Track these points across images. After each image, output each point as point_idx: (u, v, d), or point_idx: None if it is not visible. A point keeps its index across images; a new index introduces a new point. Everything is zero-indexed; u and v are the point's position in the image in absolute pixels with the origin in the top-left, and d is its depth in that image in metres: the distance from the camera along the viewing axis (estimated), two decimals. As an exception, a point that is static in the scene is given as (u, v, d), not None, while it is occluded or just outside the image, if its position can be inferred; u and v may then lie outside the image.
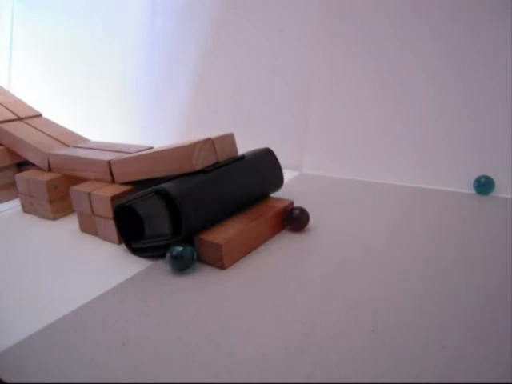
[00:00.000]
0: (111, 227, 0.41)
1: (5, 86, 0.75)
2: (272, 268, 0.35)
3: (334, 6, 0.59)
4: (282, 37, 0.65)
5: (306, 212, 0.40)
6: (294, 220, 0.40)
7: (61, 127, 0.61)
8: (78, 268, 0.38)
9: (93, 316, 0.30)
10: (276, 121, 0.67)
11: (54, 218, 0.49)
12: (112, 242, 0.42)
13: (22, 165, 0.58)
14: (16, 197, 0.55)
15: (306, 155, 0.62)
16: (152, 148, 0.47)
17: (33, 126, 0.59)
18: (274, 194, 0.45)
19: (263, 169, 0.43)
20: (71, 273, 0.37)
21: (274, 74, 0.66)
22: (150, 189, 0.36)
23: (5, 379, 0.24)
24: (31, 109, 0.64)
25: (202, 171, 0.38)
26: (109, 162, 0.44)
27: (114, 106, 0.90)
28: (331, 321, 0.27)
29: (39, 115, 0.63)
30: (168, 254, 0.34)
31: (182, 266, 0.34)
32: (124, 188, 0.42)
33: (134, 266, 0.37)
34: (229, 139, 0.41)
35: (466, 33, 0.49)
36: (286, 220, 0.41)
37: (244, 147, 0.45)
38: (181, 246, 0.34)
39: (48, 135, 0.57)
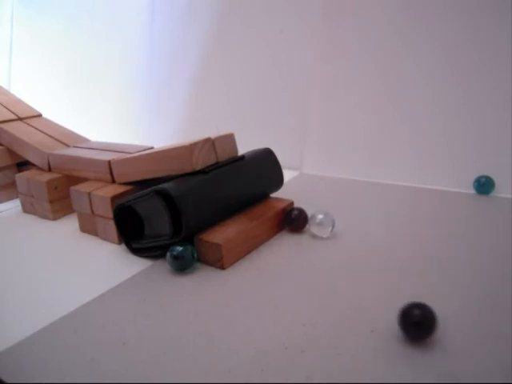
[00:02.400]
0: (111, 227, 0.41)
1: (5, 86, 0.75)
2: (272, 268, 0.35)
3: (334, 7, 0.59)
4: (282, 37, 0.65)
5: (304, 213, 0.40)
6: (293, 221, 0.40)
7: (61, 127, 0.61)
8: (78, 268, 0.38)
9: (93, 316, 0.30)
10: (276, 121, 0.67)
11: (54, 218, 0.50)
12: (112, 242, 0.42)
13: (22, 165, 0.58)
14: (16, 197, 0.55)
15: (306, 155, 0.62)
16: (152, 148, 0.47)
17: (33, 126, 0.59)
18: (274, 194, 0.45)
19: (263, 169, 0.43)
20: (71, 273, 0.37)
21: (274, 74, 0.66)
22: (149, 189, 0.36)
23: (5, 379, 0.24)
24: (31, 109, 0.64)
25: (202, 171, 0.38)
26: (109, 162, 0.44)
27: (114, 105, 0.90)
28: (331, 321, 0.27)
29: (39, 115, 0.63)
30: (168, 254, 0.34)
31: (182, 266, 0.34)
32: (124, 188, 0.42)
33: (134, 266, 0.37)
34: (229, 139, 0.41)
35: (465, 33, 0.49)
36: (285, 221, 0.41)
37: (244, 147, 0.45)
38: (181, 245, 0.34)
39: (48, 135, 0.57)
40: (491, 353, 0.24)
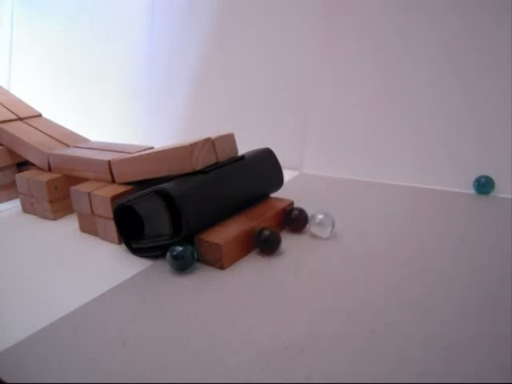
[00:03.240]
0: (111, 227, 0.41)
1: (5, 86, 0.75)
2: (272, 268, 0.35)
3: (334, 7, 0.59)
4: (282, 37, 0.65)
5: (304, 213, 0.40)
6: (293, 221, 0.40)
7: (61, 127, 0.61)
8: (78, 268, 0.38)
9: (93, 316, 0.30)
10: (276, 121, 0.67)
11: (54, 218, 0.49)
12: (112, 242, 0.42)
13: (22, 165, 0.58)
14: (16, 197, 0.55)
15: (306, 155, 0.62)
16: (152, 148, 0.47)
17: (33, 126, 0.59)
18: (274, 194, 0.45)
19: (263, 169, 0.43)
20: (71, 273, 0.37)
21: (274, 74, 0.66)
22: (149, 189, 0.36)
23: (5, 379, 0.24)
24: (31, 109, 0.64)
25: (202, 171, 0.38)
26: (109, 162, 0.44)
27: (114, 106, 0.90)
28: (331, 321, 0.27)
29: (39, 115, 0.63)
30: (168, 254, 0.34)
31: (182, 266, 0.34)
32: (124, 188, 0.42)
33: (134, 266, 0.37)
34: (229, 139, 0.41)
35: (465, 33, 0.49)
36: (285, 221, 0.41)
37: (244, 147, 0.45)
38: (181, 245, 0.34)
39: (48, 135, 0.57)
40: (491, 353, 0.24)
